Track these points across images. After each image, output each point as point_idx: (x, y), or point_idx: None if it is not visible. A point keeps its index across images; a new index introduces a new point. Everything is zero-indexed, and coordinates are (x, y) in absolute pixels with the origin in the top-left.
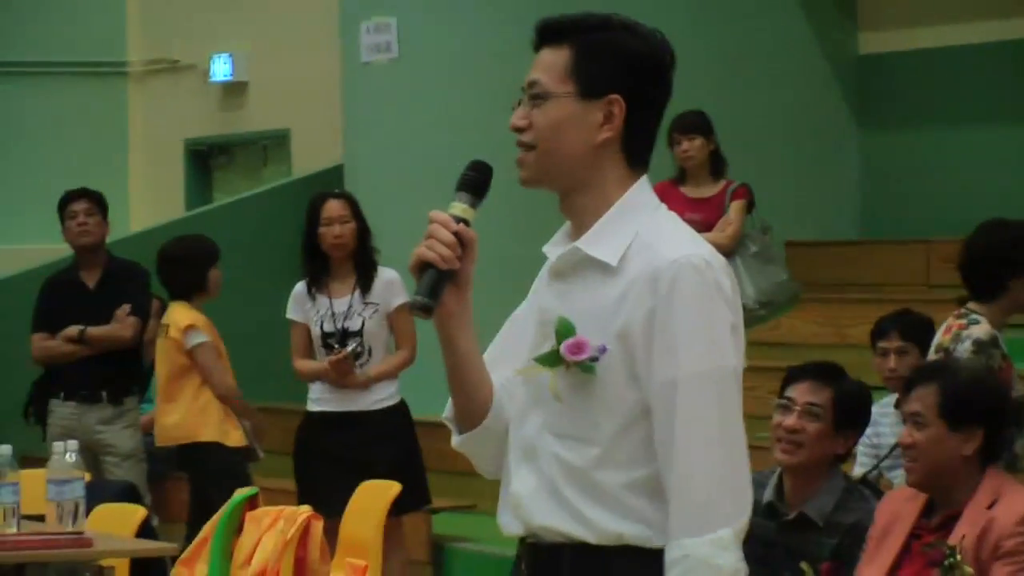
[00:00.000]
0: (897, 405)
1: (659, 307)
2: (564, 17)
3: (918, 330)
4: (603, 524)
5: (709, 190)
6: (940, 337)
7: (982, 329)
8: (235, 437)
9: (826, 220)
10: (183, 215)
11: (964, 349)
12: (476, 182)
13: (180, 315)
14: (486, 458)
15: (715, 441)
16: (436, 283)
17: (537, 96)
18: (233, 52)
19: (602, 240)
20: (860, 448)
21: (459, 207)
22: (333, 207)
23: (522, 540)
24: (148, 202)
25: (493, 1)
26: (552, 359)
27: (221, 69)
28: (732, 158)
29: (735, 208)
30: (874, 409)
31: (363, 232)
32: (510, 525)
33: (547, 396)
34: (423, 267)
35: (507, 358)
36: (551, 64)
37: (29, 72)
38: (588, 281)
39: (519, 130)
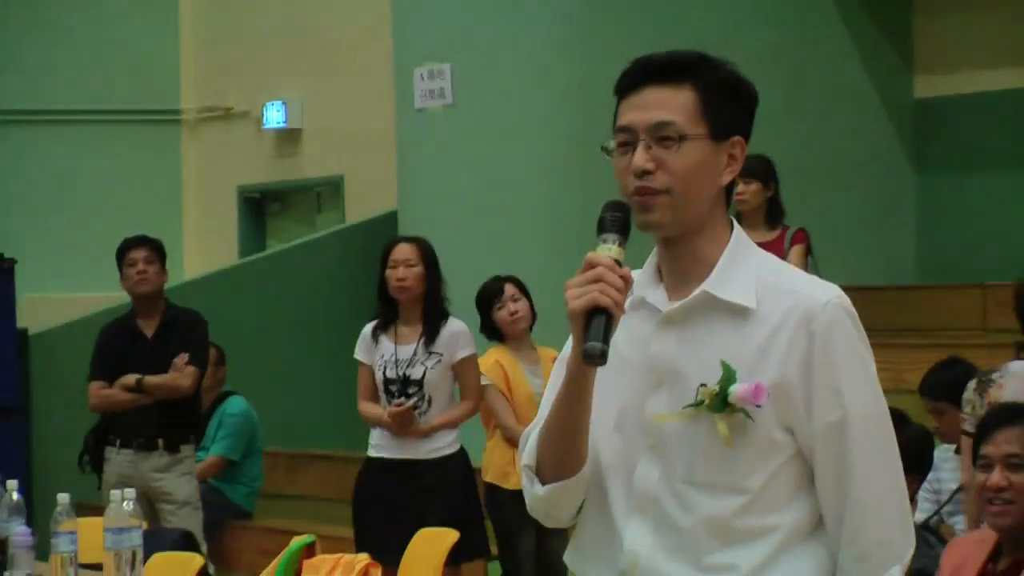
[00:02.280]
0: (957, 450)
1: (816, 349)
2: (681, 54)
3: (951, 389)
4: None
5: (765, 236)
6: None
7: None
8: None
9: (883, 265)
10: (236, 262)
11: None
12: (621, 222)
13: None
14: (570, 508)
15: (886, 481)
16: (608, 328)
17: (669, 138)
18: (286, 99)
19: (730, 283)
20: (920, 494)
21: (613, 249)
22: (400, 250)
23: None
24: (202, 250)
25: (548, 45)
26: (719, 404)
27: (274, 116)
28: (789, 205)
29: (796, 253)
30: (935, 454)
31: (433, 279)
32: None
33: (671, 443)
34: (592, 312)
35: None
36: (679, 104)
37: (84, 120)
38: (715, 325)
39: (646, 173)
